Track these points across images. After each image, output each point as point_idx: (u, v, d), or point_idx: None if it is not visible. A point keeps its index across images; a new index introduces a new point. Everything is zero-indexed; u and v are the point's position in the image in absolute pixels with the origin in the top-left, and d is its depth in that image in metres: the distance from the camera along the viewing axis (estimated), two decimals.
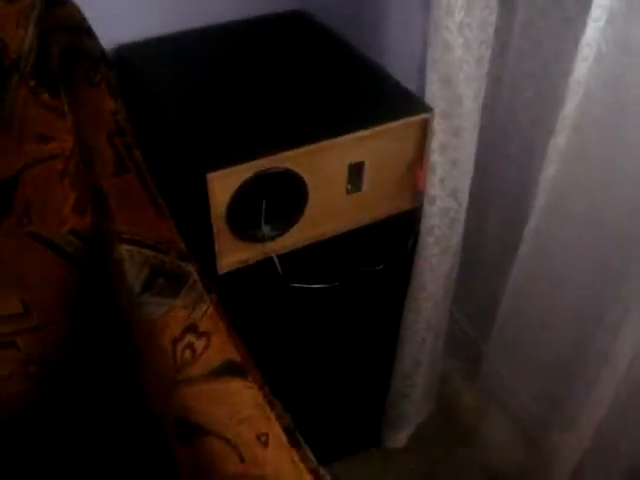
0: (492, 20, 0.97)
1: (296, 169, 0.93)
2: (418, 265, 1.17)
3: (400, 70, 1.10)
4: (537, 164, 1.08)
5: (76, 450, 0.99)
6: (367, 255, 1.11)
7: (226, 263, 0.97)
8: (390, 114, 0.98)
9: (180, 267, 0.88)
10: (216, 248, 0.94)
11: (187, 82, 1.06)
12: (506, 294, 1.26)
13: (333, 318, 1.18)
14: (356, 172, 0.99)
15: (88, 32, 0.99)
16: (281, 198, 0.95)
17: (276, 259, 0.99)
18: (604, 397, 1.13)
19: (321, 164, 0.95)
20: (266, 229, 0.96)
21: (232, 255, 0.97)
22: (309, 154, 0.93)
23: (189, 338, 0.80)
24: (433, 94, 1.00)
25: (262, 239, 0.97)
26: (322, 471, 1.25)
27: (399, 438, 1.48)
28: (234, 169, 0.88)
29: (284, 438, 0.73)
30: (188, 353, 0.79)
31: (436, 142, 1.03)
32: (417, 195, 1.08)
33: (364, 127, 0.95)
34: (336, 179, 0.99)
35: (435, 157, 1.04)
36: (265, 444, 0.71)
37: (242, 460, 0.70)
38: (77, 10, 0.98)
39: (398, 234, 1.12)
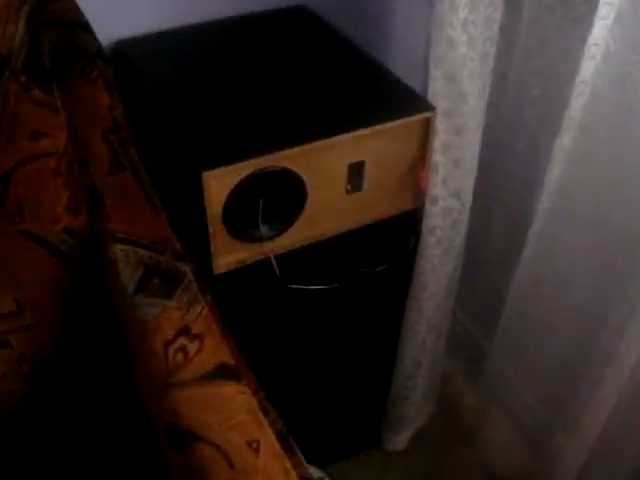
0: (497, 17, 0.95)
1: (294, 168, 0.91)
2: (419, 266, 1.15)
3: (404, 68, 1.08)
4: (543, 163, 1.06)
5: (71, 449, 0.98)
6: (367, 256, 1.09)
7: (222, 263, 0.95)
8: (391, 113, 0.96)
9: (175, 267, 0.87)
10: (212, 248, 0.92)
11: (185, 78, 1.04)
12: (510, 295, 1.24)
13: (332, 320, 1.16)
14: (356, 172, 0.97)
15: (85, 27, 0.97)
16: (279, 197, 0.93)
17: (274, 260, 0.97)
18: (608, 399, 1.12)
19: (320, 163, 0.93)
20: (264, 229, 0.95)
21: (229, 255, 0.95)
22: (308, 153, 0.91)
23: (182, 341, 0.78)
24: (436, 92, 0.98)
25: (260, 239, 0.95)
26: (321, 473, 1.24)
27: (399, 441, 1.47)
28: (230, 168, 0.86)
29: (276, 445, 0.71)
30: (180, 356, 0.77)
31: (438, 141, 1.01)
32: (419, 195, 1.06)
33: (364, 126, 0.93)
34: (336, 178, 0.97)
35: (437, 157, 1.02)
36: (256, 451, 0.70)
37: (232, 467, 0.68)
38: (74, 5, 0.96)
39: (399, 234, 1.10)
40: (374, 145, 0.96)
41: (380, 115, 0.95)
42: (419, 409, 1.45)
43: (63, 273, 0.93)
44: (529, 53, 1.09)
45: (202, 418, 0.72)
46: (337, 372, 1.27)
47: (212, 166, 0.85)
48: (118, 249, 0.86)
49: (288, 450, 0.72)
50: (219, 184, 0.87)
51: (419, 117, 0.98)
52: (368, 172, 0.98)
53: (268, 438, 0.72)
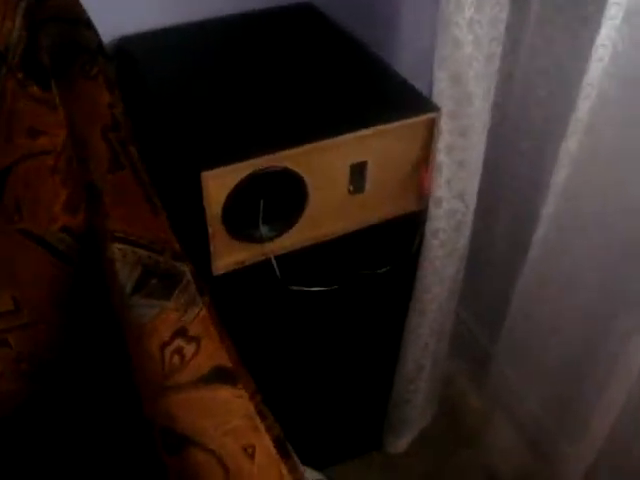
0: (503, 17, 0.94)
1: (295, 168, 0.90)
2: (422, 268, 1.14)
3: (410, 68, 1.07)
4: (549, 164, 1.05)
5: (70, 449, 0.97)
6: (369, 257, 1.08)
7: (222, 264, 0.94)
8: (395, 113, 0.94)
9: (174, 267, 0.86)
10: (211, 248, 0.91)
11: (186, 76, 1.03)
12: (515, 297, 1.23)
13: (334, 322, 1.15)
14: (358, 172, 0.96)
15: (86, 23, 0.96)
16: (280, 198, 0.92)
17: (274, 261, 0.96)
18: (616, 401, 1.11)
19: (322, 163, 0.92)
20: (264, 229, 0.94)
21: (228, 256, 0.94)
22: (309, 153, 0.90)
23: (178, 342, 0.77)
24: (441, 92, 0.97)
25: (260, 240, 0.94)
26: (320, 476, 1.23)
27: (400, 443, 1.45)
28: (230, 168, 0.85)
29: (272, 450, 0.70)
30: (177, 358, 0.76)
31: (443, 142, 1.00)
32: (422, 197, 1.05)
33: (367, 126, 0.92)
34: (337, 179, 0.95)
35: (441, 158, 1.01)
36: (252, 456, 0.69)
37: (227, 472, 0.67)
38: (76, 1, 0.95)
39: (402, 236, 1.09)
40: (377, 146, 0.95)
41: (383, 115, 0.94)
42: (421, 412, 1.43)
43: (61, 272, 0.92)
44: (535, 53, 1.08)
45: (197, 422, 0.71)
46: (338, 375, 1.26)
47: (211, 166, 0.84)
48: (116, 248, 0.85)
49: (284, 455, 0.71)
50: (218, 184, 0.86)
51: (423, 118, 0.96)
52: (370, 173, 0.97)
53: (264, 443, 0.70)
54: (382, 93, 1.01)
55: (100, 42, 0.98)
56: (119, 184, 0.90)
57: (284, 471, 0.69)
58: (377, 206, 1.02)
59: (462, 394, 1.57)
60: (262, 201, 0.91)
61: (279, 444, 0.72)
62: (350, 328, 1.18)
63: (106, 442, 0.98)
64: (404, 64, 1.08)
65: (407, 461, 1.47)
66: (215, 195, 0.86)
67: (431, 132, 0.98)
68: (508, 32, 0.97)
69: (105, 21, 1.03)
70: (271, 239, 0.95)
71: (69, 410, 1.01)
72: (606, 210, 1.00)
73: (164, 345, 0.77)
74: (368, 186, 0.98)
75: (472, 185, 1.08)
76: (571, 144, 0.96)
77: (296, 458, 0.73)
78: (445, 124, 0.98)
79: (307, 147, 0.89)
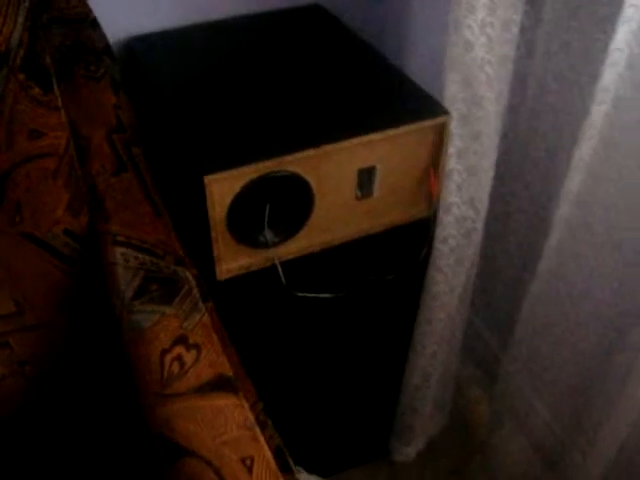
0: (517, 19, 0.91)
1: (302, 173, 0.88)
2: (431, 275, 1.12)
3: (420, 70, 1.05)
4: (562, 170, 1.02)
5: (71, 451, 0.97)
6: (377, 264, 1.06)
7: (226, 269, 0.93)
8: (404, 117, 0.92)
9: (176, 273, 0.84)
10: (215, 253, 0.90)
11: (193, 77, 1.02)
12: (526, 305, 1.21)
13: (340, 329, 1.13)
14: (366, 177, 0.94)
15: (93, 24, 0.96)
16: (285, 202, 0.90)
17: (279, 266, 0.94)
18: (628, 412, 1.08)
19: (328, 168, 0.90)
20: (269, 234, 0.92)
21: (233, 261, 0.93)
22: (316, 157, 0.88)
23: (178, 350, 0.76)
24: (452, 96, 0.94)
25: (265, 245, 0.92)
26: None
27: (407, 452, 1.43)
28: (234, 172, 0.83)
29: (271, 462, 0.68)
30: (176, 366, 0.74)
31: (453, 147, 0.98)
32: (431, 203, 1.03)
33: (376, 130, 0.90)
34: (345, 184, 0.94)
35: (452, 163, 0.99)
36: (250, 468, 0.67)
37: None
38: (83, 1, 0.95)
39: (410, 242, 1.07)
40: (385, 150, 0.93)
41: (392, 119, 0.92)
42: (429, 420, 1.41)
43: (64, 275, 0.91)
44: (550, 57, 1.05)
45: (195, 432, 0.69)
46: (344, 382, 1.24)
47: (215, 170, 0.82)
48: (118, 252, 0.84)
49: (283, 467, 0.69)
50: (222, 188, 0.84)
51: (433, 122, 0.94)
52: (379, 178, 0.95)
53: (263, 455, 0.69)
54: (391, 96, 0.99)
55: (107, 43, 0.97)
56: (122, 187, 0.89)
57: None
58: (385, 212, 1.00)
59: (472, 402, 1.55)
60: (268, 206, 0.89)
61: (279, 456, 0.71)
62: (356, 335, 1.16)
63: (107, 444, 0.97)
64: (414, 66, 1.06)
65: (414, 469, 1.45)
66: (219, 199, 0.85)
67: (441, 137, 0.96)
68: (522, 35, 0.95)
69: (113, 21, 1.03)
70: (276, 244, 0.93)
71: (70, 412, 1.01)
72: (620, 218, 0.97)
73: (164, 352, 0.76)
74: (376, 192, 0.96)
75: (483, 191, 1.05)
76: (584, 150, 0.94)
77: (296, 471, 0.71)
78: (456, 128, 0.96)
79: (314, 151, 0.87)
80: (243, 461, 0.67)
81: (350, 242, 1.00)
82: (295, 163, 0.87)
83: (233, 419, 0.71)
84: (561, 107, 1.08)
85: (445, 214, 1.04)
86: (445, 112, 0.94)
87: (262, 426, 0.72)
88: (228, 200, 0.86)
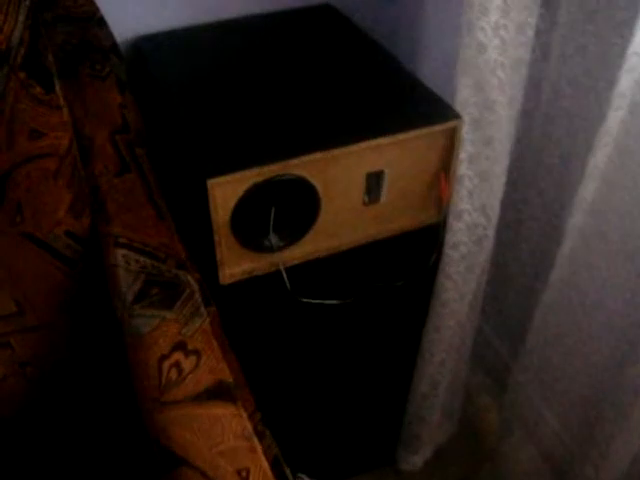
0: (532, 22, 0.89)
1: (308, 177, 0.86)
2: (440, 282, 1.10)
3: (432, 73, 1.03)
4: (576, 177, 1.00)
5: (72, 452, 0.96)
6: (385, 270, 1.04)
7: (230, 273, 0.91)
8: (415, 121, 0.90)
9: (177, 277, 0.83)
10: (218, 257, 0.88)
11: (200, 77, 1.00)
12: (537, 314, 1.18)
13: (346, 336, 1.11)
14: (375, 182, 0.92)
15: (99, 23, 0.95)
16: (291, 206, 0.89)
17: (284, 271, 0.93)
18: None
19: (336, 172, 0.88)
20: (274, 239, 0.90)
21: (237, 265, 0.91)
22: (322, 161, 0.86)
23: (177, 356, 0.74)
24: (464, 100, 0.92)
25: (270, 249, 0.91)
26: None
27: (414, 460, 1.41)
28: (237, 176, 0.82)
29: (268, 474, 0.67)
30: (174, 373, 0.73)
31: (465, 152, 0.95)
32: (441, 208, 1.00)
33: (385, 134, 0.88)
34: (352, 189, 0.92)
35: (463, 169, 0.97)
36: None
37: None
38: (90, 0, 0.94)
39: (419, 248, 1.05)
40: (394, 154, 0.91)
41: (402, 123, 0.90)
42: (436, 429, 1.39)
43: (65, 276, 0.90)
44: (565, 61, 1.03)
45: (192, 441, 0.68)
46: (350, 390, 1.22)
47: (218, 173, 0.80)
48: (120, 255, 0.83)
49: (280, 479, 0.67)
50: (225, 192, 0.82)
51: (444, 126, 0.92)
52: (387, 183, 0.93)
53: (259, 466, 0.67)
54: (401, 99, 0.97)
55: (114, 41, 0.96)
56: (125, 188, 0.87)
57: None
58: (393, 218, 0.98)
59: (482, 409, 1.53)
60: (273, 209, 0.88)
61: (276, 467, 0.69)
62: (363, 343, 1.14)
63: (107, 446, 0.96)
64: (427, 70, 1.03)
65: (421, 478, 1.43)
66: (222, 202, 0.83)
67: (452, 141, 0.93)
68: (537, 38, 0.93)
69: (120, 20, 1.02)
70: (281, 249, 0.92)
71: (71, 413, 1.00)
72: (634, 227, 0.95)
73: (162, 358, 0.74)
74: (384, 197, 0.94)
75: (495, 198, 1.03)
76: (599, 157, 0.91)
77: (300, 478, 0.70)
78: (467, 133, 0.94)
79: (321, 155, 0.85)
80: (239, 473, 0.66)
81: (357, 247, 0.98)
82: (301, 167, 0.85)
83: (230, 429, 0.70)
84: (576, 112, 1.05)
85: (456, 220, 1.02)
86: (456, 116, 0.92)
87: (260, 436, 0.71)
88: (232, 204, 0.84)
